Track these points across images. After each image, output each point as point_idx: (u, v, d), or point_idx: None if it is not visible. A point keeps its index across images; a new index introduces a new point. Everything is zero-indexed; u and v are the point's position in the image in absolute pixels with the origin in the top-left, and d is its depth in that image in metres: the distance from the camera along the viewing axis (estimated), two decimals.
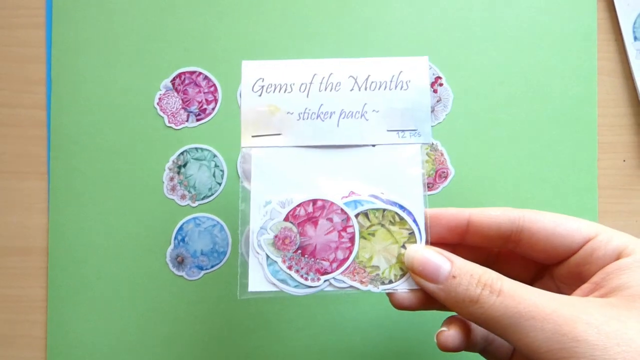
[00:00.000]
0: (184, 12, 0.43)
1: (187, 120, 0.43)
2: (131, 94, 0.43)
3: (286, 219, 0.29)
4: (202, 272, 0.42)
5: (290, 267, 0.29)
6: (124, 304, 0.42)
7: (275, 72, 0.30)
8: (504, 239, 0.28)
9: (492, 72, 0.43)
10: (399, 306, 0.28)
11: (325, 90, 0.30)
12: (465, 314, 0.25)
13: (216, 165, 0.42)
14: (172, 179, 0.42)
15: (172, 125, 0.42)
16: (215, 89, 0.43)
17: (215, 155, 0.42)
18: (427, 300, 0.28)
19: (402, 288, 0.28)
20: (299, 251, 0.29)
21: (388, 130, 0.30)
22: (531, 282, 0.30)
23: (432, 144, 0.43)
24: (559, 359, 0.21)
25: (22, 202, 0.43)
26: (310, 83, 0.30)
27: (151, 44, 0.43)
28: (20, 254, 0.43)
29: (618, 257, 0.25)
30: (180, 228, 0.42)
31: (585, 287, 0.25)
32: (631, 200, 0.43)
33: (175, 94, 0.43)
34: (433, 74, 0.43)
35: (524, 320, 0.22)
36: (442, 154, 0.43)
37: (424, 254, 0.27)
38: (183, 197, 0.42)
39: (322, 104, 0.30)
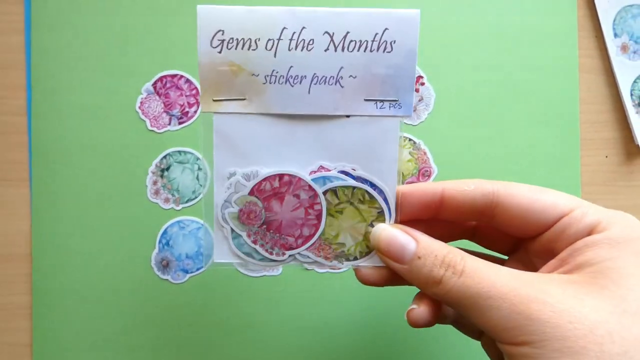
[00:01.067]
0: (164, 15, 0.43)
1: (169, 124, 0.42)
2: (112, 98, 0.42)
3: (251, 193, 0.28)
4: (188, 276, 0.42)
5: (255, 242, 0.28)
6: (109, 308, 0.42)
7: (237, 22, 0.26)
8: (478, 213, 0.27)
9: (473, 71, 0.43)
10: (365, 282, 0.28)
11: (296, 49, 0.26)
12: (430, 293, 0.25)
13: (199, 168, 0.42)
14: (155, 182, 0.42)
15: (155, 129, 0.42)
16: (197, 92, 0.42)
17: (198, 158, 0.42)
18: (393, 277, 0.28)
19: (367, 264, 0.28)
20: (264, 226, 0.28)
21: (365, 100, 0.27)
22: (508, 253, 0.30)
23: (415, 142, 0.43)
24: (514, 337, 0.21)
25: (4, 208, 0.42)
26: (279, 39, 0.26)
27: (132, 48, 0.43)
28: (4, 261, 0.42)
29: (589, 234, 0.24)
30: (165, 232, 0.42)
31: (551, 263, 0.25)
32: (614, 195, 0.44)
33: (157, 97, 0.42)
34: (415, 73, 0.43)
35: (482, 300, 0.22)
36: (425, 153, 0.43)
37: (389, 233, 0.26)
38: (167, 200, 0.42)
39: (291, 66, 0.26)
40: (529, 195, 0.26)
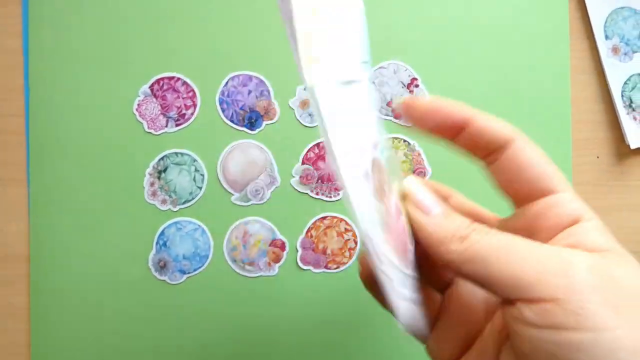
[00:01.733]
0: (160, 18, 0.43)
1: (166, 126, 0.43)
2: (110, 100, 0.43)
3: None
4: (185, 276, 0.42)
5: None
6: (107, 309, 0.42)
7: None
8: (489, 151, 0.26)
9: (467, 72, 0.44)
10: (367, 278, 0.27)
11: None
12: (445, 252, 0.23)
13: (196, 170, 0.43)
14: (152, 184, 0.42)
15: (152, 131, 0.43)
16: (194, 94, 0.43)
17: (195, 160, 0.43)
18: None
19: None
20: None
21: None
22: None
23: (410, 144, 0.43)
24: (545, 289, 0.21)
25: (1, 209, 0.43)
26: None
27: (129, 50, 0.43)
28: (1, 261, 0.43)
29: (575, 222, 0.24)
30: (162, 233, 0.42)
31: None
32: (605, 195, 0.44)
33: (154, 99, 0.43)
34: (409, 76, 0.44)
35: (510, 253, 0.22)
36: (419, 154, 0.43)
37: (422, 187, 0.25)
38: (164, 202, 0.42)
39: None
40: (539, 157, 0.25)
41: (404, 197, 0.25)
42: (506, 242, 0.22)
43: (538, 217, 0.25)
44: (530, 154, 0.25)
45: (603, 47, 0.45)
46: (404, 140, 0.43)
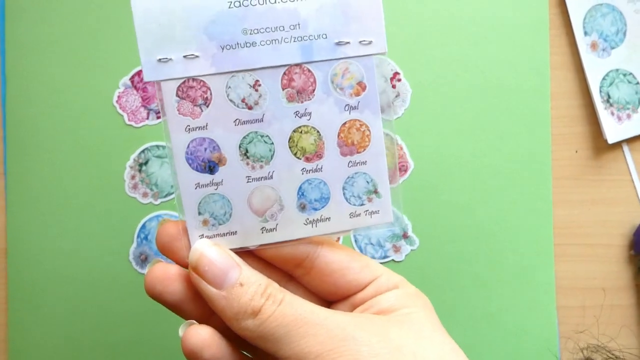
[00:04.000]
0: None
1: (147, 118, 0.42)
2: (89, 92, 0.42)
3: None
4: None
5: None
6: (87, 303, 0.42)
7: None
8: (294, 265, 0.26)
9: (448, 67, 0.44)
10: (153, 288, 0.26)
11: None
12: (240, 327, 0.23)
13: None
14: (133, 177, 0.42)
15: (132, 123, 0.42)
16: (159, 87, 0.42)
17: None
18: (191, 299, 0.25)
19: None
20: None
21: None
22: None
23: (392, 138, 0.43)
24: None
25: None
26: None
27: (109, 41, 0.42)
28: None
29: (389, 289, 0.26)
30: (143, 226, 0.42)
31: (358, 309, 0.26)
32: (584, 189, 0.45)
33: (135, 91, 0.42)
34: (392, 70, 0.44)
35: (299, 327, 0.23)
36: (401, 148, 0.43)
37: (213, 253, 0.24)
38: (145, 195, 0.42)
39: None
40: (349, 254, 0.27)
41: (194, 267, 0.24)
42: (299, 313, 0.23)
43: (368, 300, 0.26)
44: (340, 252, 0.26)
45: (582, 43, 0.45)
46: (386, 134, 0.43)
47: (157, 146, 0.42)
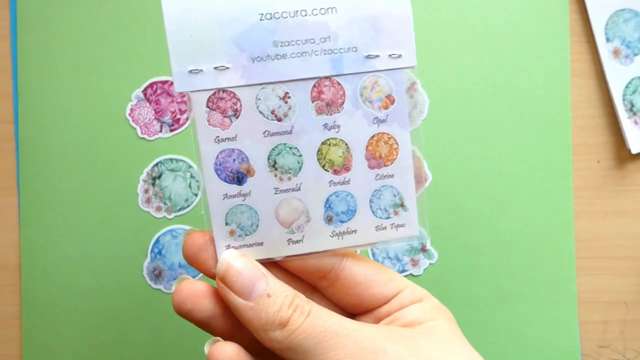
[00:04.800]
0: (154, 20, 0.42)
1: (160, 131, 0.42)
2: (102, 105, 0.42)
3: None
4: None
5: None
6: (100, 318, 0.41)
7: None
8: (319, 277, 0.26)
9: (466, 76, 0.43)
10: (183, 307, 0.25)
11: None
12: (268, 338, 0.23)
13: (192, 176, 0.42)
14: (146, 191, 0.42)
15: (145, 136, 0.42)
16: (189, 98, 0.42)
17: (190, 166, 0.42)
18: (223, 315, 0.25)
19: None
20: None
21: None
22: None
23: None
24: None
25: None
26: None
27: (121, 53, 0.42)
28: None
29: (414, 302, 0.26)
30: (157, 241, 0.41)
31: (383, 321, 0.26)
32: (606, 200, 0.44)
33: (148, 104, 0.42)
34: (409, 80, 0.43)
35: (328, 339, 0.23)
36: (419, 159, 0.43)
37: (240, 263, 0.24)
38: (159, 209, 0.42)
39: None
40: (373, 266, 0.27)
41: (221, 277, 0.24)
42: (328, 325, 0.23)
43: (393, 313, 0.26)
44: (365, 265, 0.26)
45: (604, 50, 0.44)
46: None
47: (171, 159, 0.42)
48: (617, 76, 0.44)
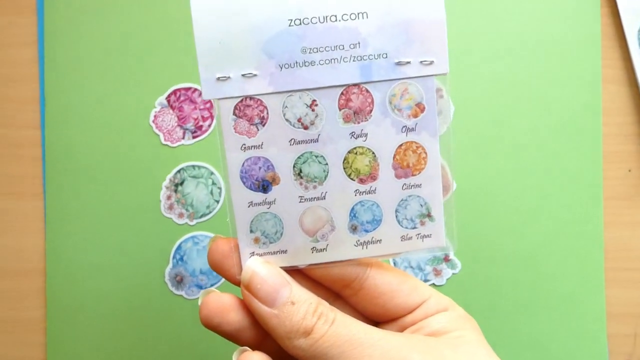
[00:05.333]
0: (177, 28, 0.42)
1: (183, 138, 0.42)
2: (126, 112, 0.42)
3: None
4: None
5: None
6: (123, 323, 0.42)
7: None
8: (343, 285, 0.26)
9: (493, 82, 0.42)
10: (209, 319, 0.25)
11: None
12: (292, 346, 0.23)
13: (213, 183, 0.42)
14: (169, 197, 0.42)
15: (168, 143, 0.42)
16: (211, 105, 0.42)
17: (212, 173, 0.42)
18: (250, 326, 0.25)
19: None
20: None
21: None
22: None
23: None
24: None
25: (18, 223, 0.42)
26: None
27: (145, 61, 0.42)
28: (18, 275, 0.42)
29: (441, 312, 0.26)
30: (179, 247, 0.42)
31: (407, 330, 0.26)
32: (636, 210, 0.43)
33: (171, 111, 0.42)
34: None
35: (353, 348, 0.22)
36: (443, 167, 0.42)
37: (265, 270, 0.24)
38: (181, 215, 0.42)
39: None
40: (397, 275, 0.26)
41: (246, 285, 0.24)
42: (353, 333, 0.23)
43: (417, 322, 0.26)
44: (390, 274, 0.26)
45: (636, 55, 0.43)
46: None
47: (193, 166, 0.42)
48: None
